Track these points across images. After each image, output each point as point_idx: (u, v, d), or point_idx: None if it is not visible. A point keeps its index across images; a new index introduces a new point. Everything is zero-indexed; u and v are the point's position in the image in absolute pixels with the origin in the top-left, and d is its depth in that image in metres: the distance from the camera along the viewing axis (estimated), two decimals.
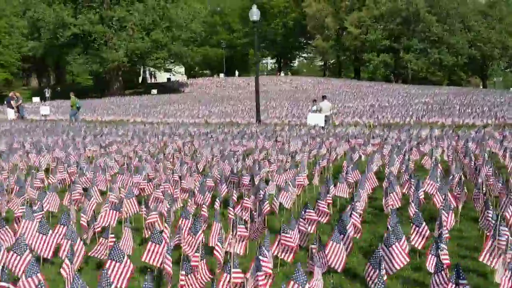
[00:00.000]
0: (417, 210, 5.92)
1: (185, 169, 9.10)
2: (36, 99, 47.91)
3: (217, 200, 6.63)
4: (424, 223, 5.40)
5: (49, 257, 5.18)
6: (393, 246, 4.54)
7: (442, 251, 4.56)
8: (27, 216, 5.50)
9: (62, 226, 5.33)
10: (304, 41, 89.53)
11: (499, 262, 4.50)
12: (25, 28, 56.79)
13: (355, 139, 13.55)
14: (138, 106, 39.40)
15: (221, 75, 75.62)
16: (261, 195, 6.71)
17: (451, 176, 7.79)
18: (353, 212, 5.88)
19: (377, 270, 3.96)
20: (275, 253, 5.10)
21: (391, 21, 67.41)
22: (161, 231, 5.23)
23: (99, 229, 5.68)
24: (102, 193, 7.95)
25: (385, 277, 4.15)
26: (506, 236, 4.62)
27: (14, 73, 64.83)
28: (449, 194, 6.59)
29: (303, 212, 6.04)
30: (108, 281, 3.68)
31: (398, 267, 4.55)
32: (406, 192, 7.62)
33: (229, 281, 4.09)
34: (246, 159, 10.59)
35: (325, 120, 21.28)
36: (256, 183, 7.82)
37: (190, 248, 5.21)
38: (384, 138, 13.57)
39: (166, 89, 61.79)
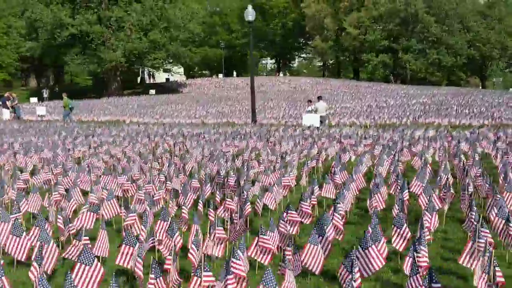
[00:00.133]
0: (399, 212, 5.84)
1: (172, 170, 9.01)
2: (33, 100, 47.80)
3: (200, 201, 6.55)
4: (405, 225, 5.31)
5: (23, 259, 5.09)
6: (370, 248, 4.45)
7: (420, 254, 4.46)
8: (2, 218, 5.41)
9: (36, 227, 5.24)
10: (303, 42, 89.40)
11: (478, 264, 4.40)
12: (23, 29, 56.66)
13: (348, 140, 13.46)
14: (136, 107, 39.31)
15: (220, 75, 75.53)
16: (244, 196, 6.62)
17: (439, 177, 7.71)
18: (334, 213, 5.80)
19: (350, 272, 3.87)
20: (252, 255, 5.01)
21: (390, 22, 67.27)
22: (138, 234, 5.15)
23: (74, 231, 5.59)
24: (87, 194, 7.87)
25: (359, 280, 4.06)
26: (486, 238, 4.53)
27: (12, 73, 64.71)
28: (434, 195, 6.50)
29: (284, 214, 5.95)
30: (72, 285, 3.58)
31: (373, 270, 4.46)
32: (393, 193, 7.53)
33: (200, 285, 4.01)
34: (236, 160, 10.51)
35: (321, 121, 21.21)
36: (242, 184, 7.72)
37: (167, 250, 5.13)
38: (377, 139, 13.48)
39: (165, 90, 61.67)
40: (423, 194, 6.60)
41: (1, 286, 3.57)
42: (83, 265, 4.17)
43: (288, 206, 6.05)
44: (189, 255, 4.73)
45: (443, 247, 5.85)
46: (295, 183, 8.78)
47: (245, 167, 9.02)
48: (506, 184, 6.95)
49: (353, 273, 3.77)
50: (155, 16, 53.51)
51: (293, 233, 6.06)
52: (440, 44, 66.33)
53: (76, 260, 4.44)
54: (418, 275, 3.87)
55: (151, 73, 76.26)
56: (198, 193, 7.55)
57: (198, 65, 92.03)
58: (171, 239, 5.04)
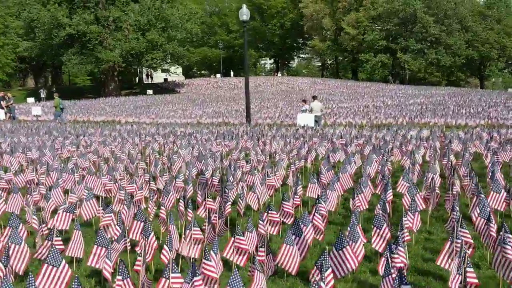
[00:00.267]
0: (381, 212, 5.75)
1: (159, 169, 8.92)
2: (30, 100, 47.71)
3: (180, 201, 6.46)
4: (385, 225, 5.22)
5: None
6: (344, 249, 4.36)
7: (396, 255, 4.37)
8: None
9: (10, 228, 5.15)
10: (302, 42, 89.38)
11: (454, 265, 4.31)
12: (21, 29, 56.56)
13: (340, 139, 13.37)
14: (132, 107, 39.21)
15: (218, 75, 75.48)
16: (226, 196, 6.53)
17: (425, 177, 7.62)
18: (315, 213, 5.71)
19: (320, 273, 3.78)
20: (228, 256, 4.92)
21: (388, 22, 67.25)
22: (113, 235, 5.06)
23: (47, 231, 5.49)
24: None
25: (331, 283, 3.97)
26: (462, 239, 4.44)
27: (10, 74, 64.58)
28: (417, 195, 6.41)
29: (264, 214, 5.86)
30: (33, 286, 3.49)
31: (347, 271, 4.37)
32: (379, 193, 7.44)
33: (168, 287, 3.92)
34: (224, 160, 10.42)
35: (316, 121, 21.13)
36: (225, 183, 7.63)
37: (142, 251, 5.04)
38: (369, 138, 13.39)
39: (163, 90, 61.64)
40: (406, 194, 6.50)
41: None
42: (50, 266, 4.08)
43: (268, 206, 5.96)
44: (162, 256, 4.65)
45: (425, 248, 5.75)
46: (282, 183, 8.69)
47: (232, 166, 8.92)
48: (492, 184, 6.87)
49: (323, 275, 3.68)
50: (153, 16, 53.41)
51: (274, 233, 5.98)
52: (439, 44, 66.28)
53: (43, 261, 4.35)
54: (390, 277, 3.78)
55: (149, 74, 76.14)
56: (182, 193, 7.47)
57: (197, 65, 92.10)
58: (146, 239, 4.95)
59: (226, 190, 6.76)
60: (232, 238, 4.94)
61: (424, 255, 5.54)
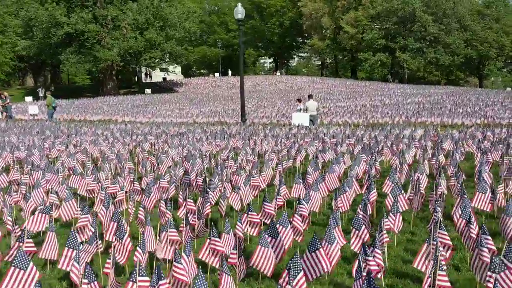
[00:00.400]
0: (361, 213, 5.68)
1: (145, 169, 8.84)
2: (29, 99, 47.59)
3: (161, 202, 6.38)
4: (363, 227, 5.15)
5: None
6: (317, 251, 4.29)
7: (370, 257, 4.29)
8: None
9: None
10: (301, 41, 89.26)
11: (428, 268, 4.23)
12: (19, 27, 56.47)
13: (332, 139, 13.28)
14: (130, 106, 39.13)
15: (216, 74, 75.36)
16: (207, 197, 6.46)
17: (411, 178, 7.54)
18: (295, 214, 5.64)
19: (288, 276, 3.71)
20: (203, 258, 4.85)
21: (387, 21, 67.09)
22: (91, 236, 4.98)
23: (19, 233, 5.42)
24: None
25: (304, 285, 3.90)
26: (438, 241, 4.36)
27: (9, 73, 64.49)
28: (400, 196, 6.34)
29: (245, 215, 5.79)
30: None
31: (319, 273, 4.30)
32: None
33: None
34: (213, 160, 10.34)
35: (311, 120, 21.03)
36: (208, 183, 7.55)
37: (118, 253, 4.97)
38: (360, 138, 13.30)
39: (161, 89, 61.56)
40: (390, 194, 6.43)
41: None
42: (17, 269, 4.01)
43: (248, 206, 5.89)
44: (134, 258, 4.58)
45: (406, 250, 5.68)
46: (269, 183, 8.62)
47: (219, 167, 8.84)
48: (478, 185, 6.79)
49: (290, 278, 3.61)
50: (151, 15, 53.30)
51: (254, 234, 5.91)
52: (438, 43, 66.12)
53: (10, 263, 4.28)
54: (360, 280, 3.71)
55: (148, 73, 76.05)
56: (165, 193, 7.40)
57: (197, 64, 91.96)
58: (119, 241, 4.88)
59: (208, 191, 6.68)
60: (208, 240, 4.88)
61: (405, 256, 5.46)
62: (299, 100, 22.94)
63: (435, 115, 23.84)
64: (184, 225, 5.44)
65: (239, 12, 21.82)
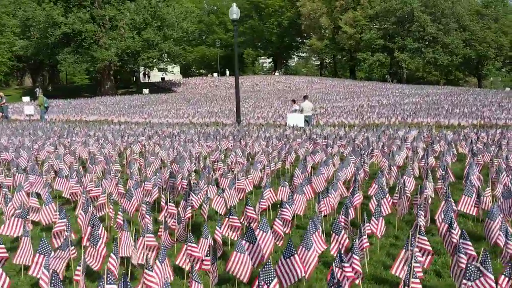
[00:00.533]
0: (342, 217, 5.61)
1: (132, 171, 8.77)
2: (26, 99, 47.52)
3: (142, 205, 6.30)
4: (343, 231, 5.07)
5: None
6: (292, 257, 4.21)
7: (347, 263, 4.21)
8: None
9: None
10: (300, 41, 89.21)
11: (404, 275, 4.16)
12: (17, 27, 56.40)
13: (324, 140, 13.20)
14: (127, 106, 39.06)
15: (215, 74, 75.31)
16: (189, 200, 6.38)
17: (398, 180, 7.47)
18: (276, 218, 5.56)
19: (258, 284, 3.64)
20: (180, 264, 4.77)
21: (386, 21, 67.06)
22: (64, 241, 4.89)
23: None
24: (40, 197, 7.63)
25: None
26: (414, 246, 4.29)
27: (6, 72, 64.40)
28: (384, 199, 6.26)
29: (226, 220, 5.72)
30: None
31: (293, 280, 4.23)
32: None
33: None
34: (201, 161, 10.26)
35: (307, 121, 20.96)
36: (195, 187, 7.47)
37: (92, 258, 4.89)
38: (353, 139, 13.22)
39: (159, 89, 61.51)
40: (374, 198, 6.36)
41: None
42: None
43: (230, 210, 5.81)
44: (108, 264, 4.50)
45: (388, 254, 5.60)
46: (256, 185, 8.54)
47: (207, 169, 8.76)
48: (464, 188, 6.72)
49: (260, 285, 3.54)
50: (149, 14, 53.26)
51: (235, 238, 5.83)
52: (436, 43, 66.09)
53: None
54: (333, 287, 3.64)
55: (147, 73, 75.97)
56: (148, 196, 7.32)
57: (196, 64, 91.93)
58: (93, 247, 4.81)
59: (190, 194, 6.61)
60: (185, 245, 4.80)
61: (386, 262, 5.38)
62: (294, 101, 22.87)
63: (431, 116, 23.76)
64: (163, 230, 5.36)
65: (234, 12, 21.76)
